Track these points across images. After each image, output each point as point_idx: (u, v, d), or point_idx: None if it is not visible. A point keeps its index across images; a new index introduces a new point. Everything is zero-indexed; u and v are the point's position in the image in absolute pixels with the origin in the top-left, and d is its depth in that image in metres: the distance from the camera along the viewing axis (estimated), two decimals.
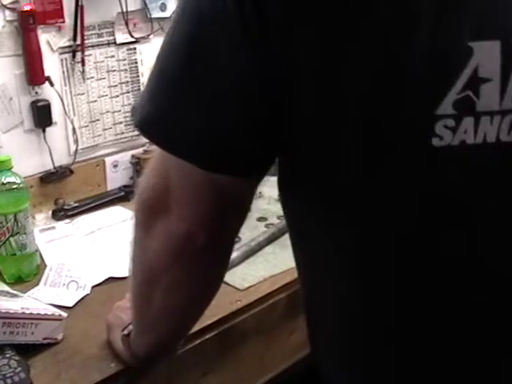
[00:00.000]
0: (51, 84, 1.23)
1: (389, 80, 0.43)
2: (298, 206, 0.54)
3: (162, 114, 0.50)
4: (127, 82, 1.40)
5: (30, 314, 0.76)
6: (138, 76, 1.41)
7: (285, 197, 0.56)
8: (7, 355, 0.72)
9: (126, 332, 0.70)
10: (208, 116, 0.48)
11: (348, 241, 0.50)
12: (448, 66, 0.42)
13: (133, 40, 1.37)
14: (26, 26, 1.16)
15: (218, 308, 0.67)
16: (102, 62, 1.34)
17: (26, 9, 1.15)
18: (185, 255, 0.55)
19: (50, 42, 1.23)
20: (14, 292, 0.88)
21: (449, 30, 0.42)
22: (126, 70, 1.39)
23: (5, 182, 0.92)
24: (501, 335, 0.49)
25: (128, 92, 1.40)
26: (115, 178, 1.39)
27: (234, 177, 0.51)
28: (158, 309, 0.61)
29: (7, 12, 1.15)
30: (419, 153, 0.44)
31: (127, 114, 1.41)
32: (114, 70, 1.37)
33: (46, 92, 1.24)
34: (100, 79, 1.34)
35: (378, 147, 0.45)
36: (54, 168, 1.27)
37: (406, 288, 0.49)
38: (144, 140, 1.45)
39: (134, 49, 1.39)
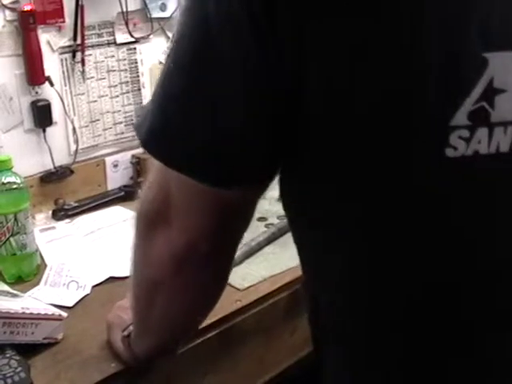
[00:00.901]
0: (51, 84, 1.23)
1: (401, 92, 0.43)
2: (305, 211, 0.54)
3: (168, 128, 0.49)
4: (127, 81, 1.40)
5: (30, 313, 0.76)
6: (138, 76, 1.41)
7: (290, 202, 0.55)
8: (7, 355, 0.73)
9: (126, 333, 0.70)
10: (215, 126, 0.47)
11: (357, 246, 0.50)
12: (463, 77, 0.42)
13: (133, 40, 1.37)
14: (26, 26, 1.15)
15: (218, 308, 0.67)
16: (102, 61, 1.34)
17: (26, 9, 1.14)
18: (186, 265, 0.54)
19: (50, 41, 1.23)
20: (15, 292, 0.88)
21: (464, 42, 0.42)
22: (126, 69, 1.39)
23: (5, 181, 0.93)
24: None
25: (128, 92, 1.40)
26: (115, 178, 1.39)
27: (239, 190, 0.50)
28: (160, 314, 0.61)
29: (7, 12, 1.15)
30: (433, 163, 0.44)
31: (127, 114, 1.41)
32: (114, 70, 1.37)
33: (46, 92, 1.24)
34: (100, 79, 1.34)
35: (390, 158, 0.45)
36: (54, 168, 1.27)
37: (412, 286, 0.49)
38: None
39: (134, 49, 1.39)
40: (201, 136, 0.48)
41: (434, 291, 0.49)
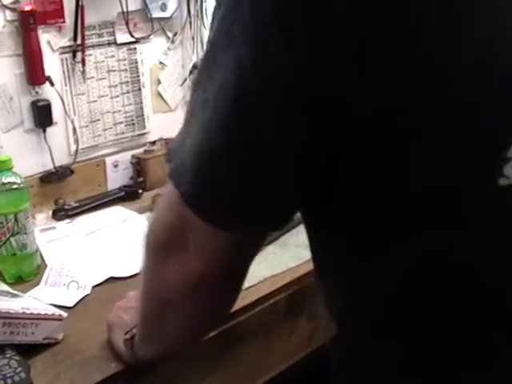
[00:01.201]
0: (51, 84, 1.23)
1: (456, 126, 0.43)
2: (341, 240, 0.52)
3: (203, 187, 0.48)
4: (127, 81, 1.40)
5: (31, 313, 0.76)
6: (138, 76, 1.41)
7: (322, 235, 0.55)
8: (7, 355, 0.72)
9: (128, 336, 0.70)
10: (250, 170, 0.46)
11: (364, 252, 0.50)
12: None
13: (133, 40, 1.37)
14: (27, 26, 1.16)
15: None
16: (103, 61, 1.34)
17: (26, 9, 1.15)
18: (201, 289, 0.54)
19: (51, 41, 1.23)
20: (15, 292, 0.88)
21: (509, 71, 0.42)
22: (126, 69, 1.39)
23: (5, 181, 0.92)
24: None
25: (128, 92, 1.40)
26: (115, 178, 1.39)
27: (255, 233, 0.51)
28: (168, 331, 0.61)
29: (7, 12, 1.15)
30: (484, 193, 0.44)
31: (127, 114, 1.41)
32: (115, 70, 1.37)
33: (47, 92, 1.24)
34: (100, 79, 1.34)
35: (441, 190, 0.44)
36: (55, 168, 1.27)
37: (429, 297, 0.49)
38: (144, 140, 1.45)
39: (135, 49, 1.40)
40: (224, 166, 0.46)
41: (453, 306, 0.48)
